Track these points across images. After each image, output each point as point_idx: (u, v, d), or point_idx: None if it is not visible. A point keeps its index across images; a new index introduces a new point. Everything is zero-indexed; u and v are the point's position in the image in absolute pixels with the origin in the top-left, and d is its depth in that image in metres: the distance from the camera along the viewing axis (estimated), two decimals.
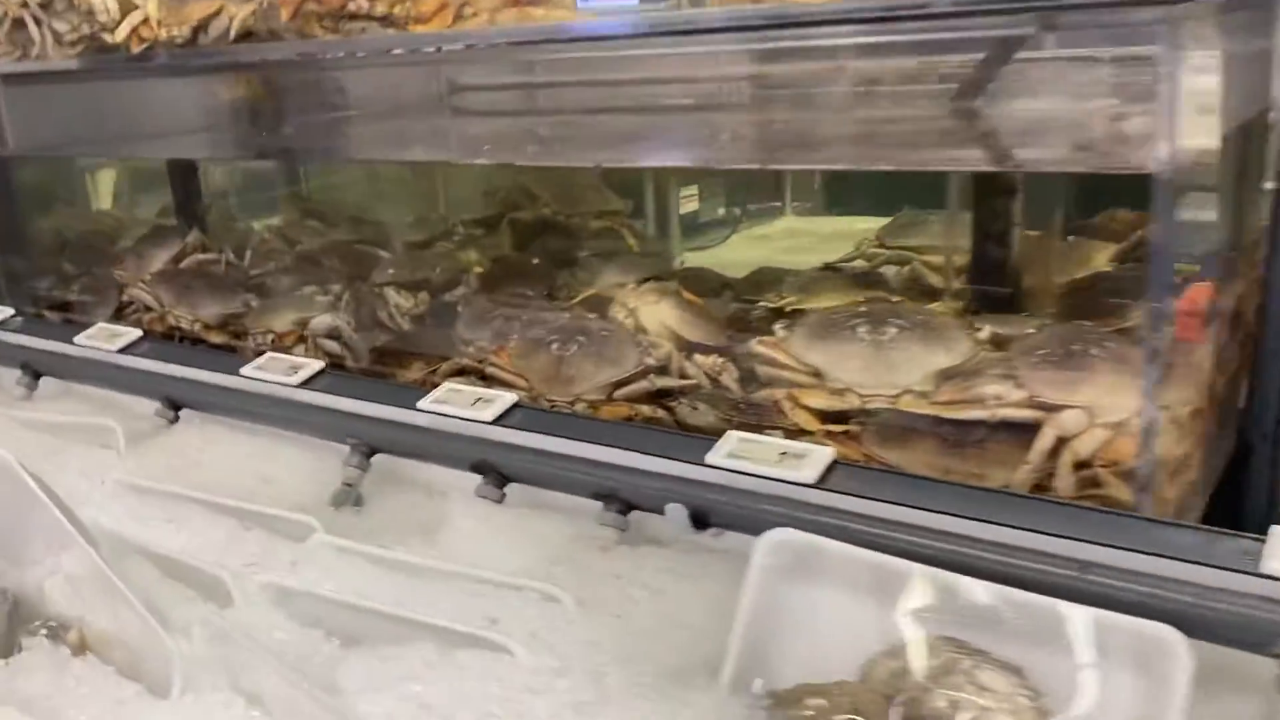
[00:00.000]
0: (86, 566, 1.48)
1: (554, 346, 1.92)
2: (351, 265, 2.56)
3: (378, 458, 1.89)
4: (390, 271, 2.39)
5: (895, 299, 1.83)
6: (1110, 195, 2.54)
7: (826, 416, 1.74)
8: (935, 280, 2.54)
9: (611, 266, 2.34)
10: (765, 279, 2.75)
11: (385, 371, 2.16)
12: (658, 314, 1.96)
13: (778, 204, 4.09)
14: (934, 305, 2.40)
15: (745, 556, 1.47)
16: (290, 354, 2.23)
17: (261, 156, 3.00)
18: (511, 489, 1.74)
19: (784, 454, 1.50)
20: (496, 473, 1.73)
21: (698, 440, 1.63)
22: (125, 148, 2.60)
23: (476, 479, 1.76)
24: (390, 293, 2.31)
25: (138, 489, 1.80)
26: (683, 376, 1.89)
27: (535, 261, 2.40)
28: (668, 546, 1.56)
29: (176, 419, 2.18)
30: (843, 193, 3.87)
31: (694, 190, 3.90)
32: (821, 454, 1.48)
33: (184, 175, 2.93)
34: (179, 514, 1.71)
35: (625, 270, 2.29)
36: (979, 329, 1.73)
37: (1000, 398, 1.52)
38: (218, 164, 3.35)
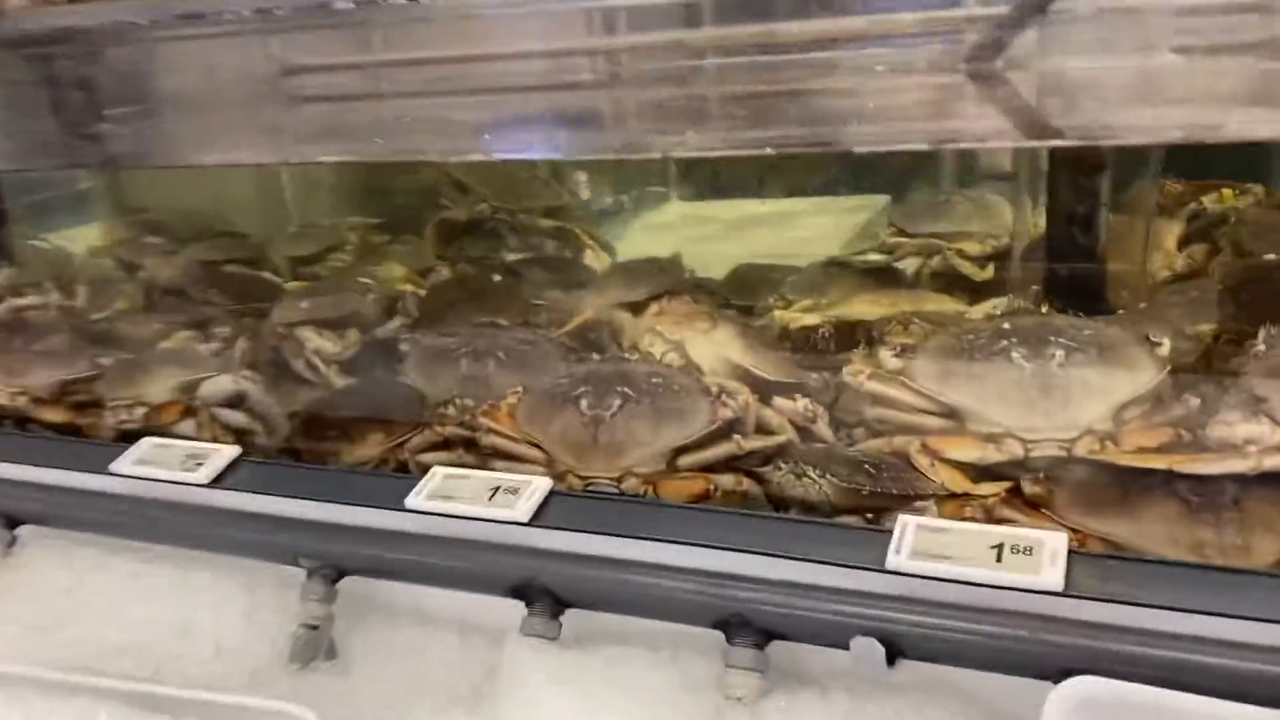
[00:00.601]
0: None
1: (584, 401, 1.48)
2: (235, 296, 2.02)
3: (346, 582, 1.41)
4: (303, 304, 1.86)
5: (1043, 309, 1.50)
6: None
7: (978, 473, 1.39)
8: (972, 272, 2.24)
9: (597, 279, 1.90)
10: (753, 279, 2.39)
11: (323, 451, 1.65)
12: (714, 346, 1.56)
13: (662, 189, 3.78)
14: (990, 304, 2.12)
15: (951, 694, 1.12)
16: (173, 434, 1.69)
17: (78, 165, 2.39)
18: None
19: (999, 546, 1.13)
20: (550, 598, 1.29)
21: (851, 531, 1.26)
22: None
23: (508, 605, 1.32)
24: (308, 334, 1.79)
25: None
26: (761, 430, 1.50)
27: (497, 278, 1.93)
28: (831, 689, 1.19)
29: (14, 542, 1.61)
30: (732, 176, 3.58)
31: (584, 177, 3.53)
32: (1054, 543, 1.13)
33: None
34: (73, 716, 1.17)
35: (623, 284, 1.87)
36: (1157, 343, 1.41)
37: (1256, 441, 1.21)
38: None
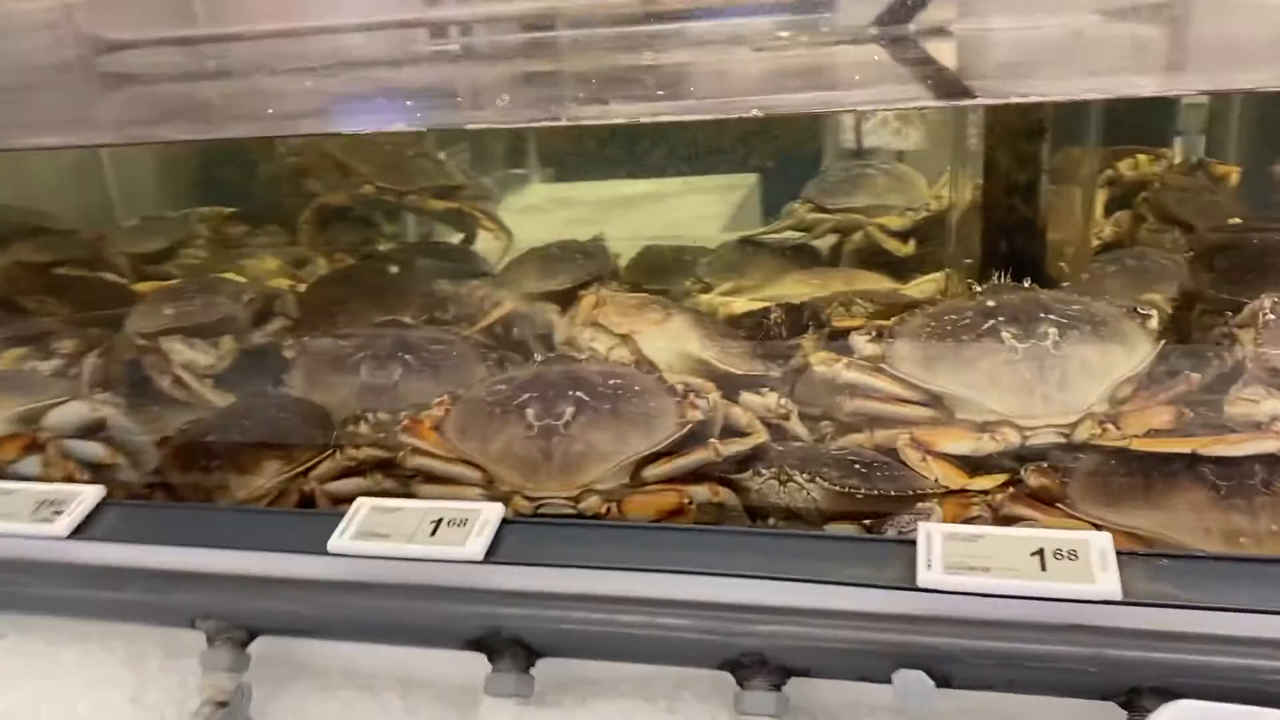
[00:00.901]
0: None
1: (530, 410, 1.30)
2: (74, 304, 1.73)
3: (260, 644, 1.20)
4: (165, 310, 1.60)
5: (1026, 285, 1.40)
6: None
7: (972, 466, 1.29)
8: (895, 247, 2.16)
9: (509, 267, 1.72)
10: (663, 261, 2.27)
11: (208, 485, 1.42)
12: (669, 339, 1.41)
13: (523, 171, 3.64)
14: (925, 281, 2.05)
15: None
16: (15, 476, 1.44)
17: None
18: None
19: (1040, 552, 1.03)
20: (519, 648, 1.11)
21: (865, 545, 1.14)
22: None
23: (467, 660, 1.14)
24: (175, 345, 1.54)
25: None
26: (730, 431, 1.36)
27: (393, 269, 1.72)
28: None
29: None
30: (595, 156, 3.48)
31: (442, 156, 3.32)
32: (1100, 544, 1.03)
33: None
34: None
35: (540, 271, 1.69)
36: (1146, 316, 1.35)
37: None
38: None
